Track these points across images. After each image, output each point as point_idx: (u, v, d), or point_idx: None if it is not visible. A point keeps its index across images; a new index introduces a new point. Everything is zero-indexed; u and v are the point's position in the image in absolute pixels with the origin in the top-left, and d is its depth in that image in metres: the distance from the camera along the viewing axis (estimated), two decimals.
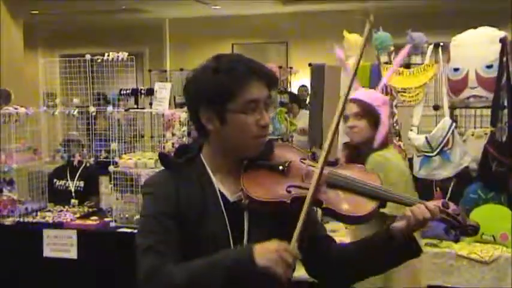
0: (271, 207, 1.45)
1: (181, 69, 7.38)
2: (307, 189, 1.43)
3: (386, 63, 4.09)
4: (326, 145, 1.47)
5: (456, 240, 1.49)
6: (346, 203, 1.47)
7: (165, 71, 7.79)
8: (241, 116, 1.44)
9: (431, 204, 1.45)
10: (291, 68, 7.31)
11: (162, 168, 1.56)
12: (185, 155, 1.54)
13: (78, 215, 3.83)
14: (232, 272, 1.31)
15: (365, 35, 1.51)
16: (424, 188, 3.60)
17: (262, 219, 1.46)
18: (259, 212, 1.46)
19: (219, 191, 1.50)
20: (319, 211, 1.59)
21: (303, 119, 6.03)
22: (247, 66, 1.46)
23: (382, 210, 1.51)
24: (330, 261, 1.58)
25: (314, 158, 1.62)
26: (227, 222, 1.47)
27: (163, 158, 1.57)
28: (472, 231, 1.46)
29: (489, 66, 3.67)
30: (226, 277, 1.32)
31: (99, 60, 3.74)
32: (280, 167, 1.50)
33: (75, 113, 3.89)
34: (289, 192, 1.46)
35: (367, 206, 1.46)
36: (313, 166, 1.51)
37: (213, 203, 1.48)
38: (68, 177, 4.35)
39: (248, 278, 1.30)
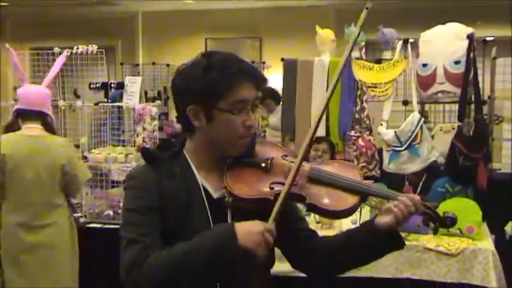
0: (255, 204, 1.46)
1: (154, 63, 7.33)
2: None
3: (357, 58, 4.13)
4: (307, 139, 1.48)
5: (435, 232, 1.53)
6: (328, 198, 1.48)
7: (137, 64, 7.72)
8: (229, 115, 1.45)
9: (414, 197, 1.48)
10: (263, 62, 7.30)
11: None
12: (169, 150, 1.53)
13: None
14: (215, 253, 1.33)
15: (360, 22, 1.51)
16: (394, 182, 3.65)
17: (244, 216, 1.45)
18: (242, 209, 1.46)
19: (203, 187, 1.50)
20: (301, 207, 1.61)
21: (277, 114, 5.95)
22: (239, 66, 1.46)
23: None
24: (312, 253, 1.60)
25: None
26: (210, 218, 1.47)
27: (145, 152, 1.55)
28: (450, 222, 1.49)
29: (457, 62, 3.72)
30: (209, 258, 1.34)
31: (68, 54, 3.69)
32: (263, 164, 1.51)
33: None
34: (272, 188, 1.48)
35: (348, 200, 1.48)
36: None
37: (197, 199, 1.48)
38: None
39: (230, 258, 1.34)
